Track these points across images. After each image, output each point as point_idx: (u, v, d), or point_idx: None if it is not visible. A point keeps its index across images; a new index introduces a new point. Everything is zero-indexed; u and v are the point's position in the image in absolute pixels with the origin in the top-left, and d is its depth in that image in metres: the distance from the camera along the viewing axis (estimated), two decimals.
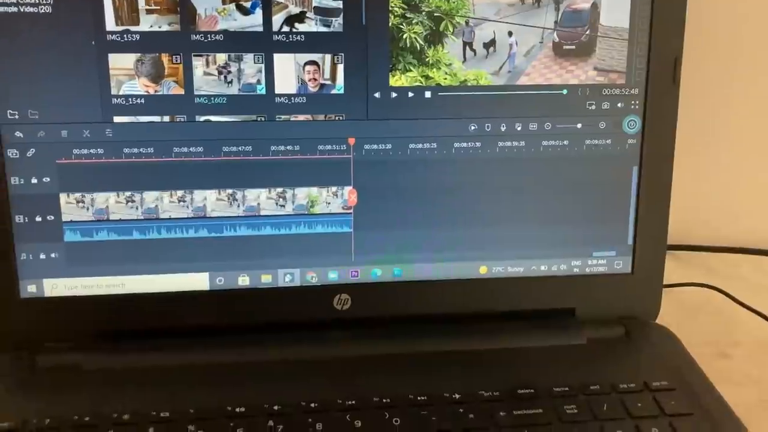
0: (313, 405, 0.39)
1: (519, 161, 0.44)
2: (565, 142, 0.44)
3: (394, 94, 0.43)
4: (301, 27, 0.41)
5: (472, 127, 0.44)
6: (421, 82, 0.43)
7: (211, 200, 0.43)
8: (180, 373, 0.41)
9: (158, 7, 0.40)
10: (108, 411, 0.38)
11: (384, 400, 0.39)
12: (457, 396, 0.40)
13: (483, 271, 0.46)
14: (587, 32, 0.44)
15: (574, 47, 0.44)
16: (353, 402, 0.39)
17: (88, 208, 0.42)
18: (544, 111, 0.44)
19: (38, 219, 0.42)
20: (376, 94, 0.43)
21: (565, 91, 0.44)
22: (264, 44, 0.41)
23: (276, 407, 0.39)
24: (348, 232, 0.44)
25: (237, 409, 0.38)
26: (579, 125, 0.44)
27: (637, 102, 0.45)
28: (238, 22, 0.41)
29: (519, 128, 0.44)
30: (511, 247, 0.45)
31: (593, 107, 0.44)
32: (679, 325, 0.47)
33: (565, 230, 0.46)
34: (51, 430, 0.37)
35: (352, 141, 0.43)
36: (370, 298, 0.45)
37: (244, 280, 0.44)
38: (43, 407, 0.38)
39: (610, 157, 0.45)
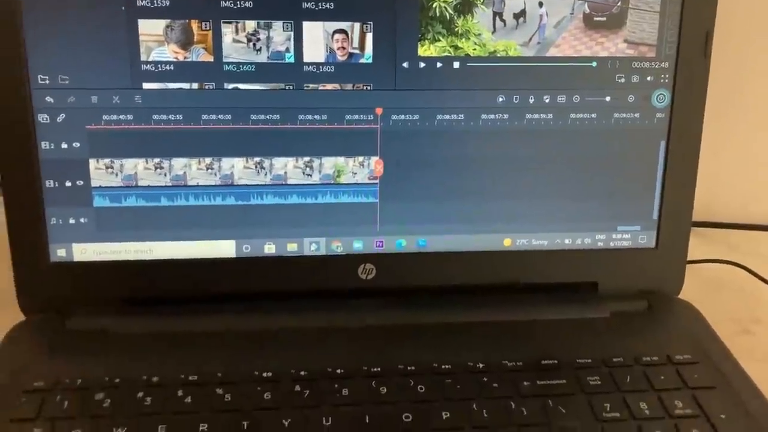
0: (338, 371, 0.39)
1: (546, 134, 0.44)
2: (593, 115, 0.44)
3: (422, 64, 0.43)
4: None
5: (500, 99, 0.43)
6: (450, 53, 0.42)
7: (239, 168, 0.43)
8: (207, 339, 0.42)
9: None
10: (137, 374, 0.39)
11: (409, 368, 0.40)
12: (481, 365, 0.40)
13: (507, 243, 0.46)
14: (618, 4, 0.43)
15: (604, 19, 0.43)
16: (378, 369, 0.40)
17: (117, 174, 0.42)
18: (573, 83, 0.44)
19: (68, 184, 0.42)
20: (405, 64, 0.42)
21: (594, 64, 0.44)
22: (293, 12, 0.41)
23: (302, 372, 0.39)
24: (374, 203, 0.44)
25: (264, 374, 0.39)
26: (608, 98, 0.44)
27: (667, 76, 0.44)
28: None
29: (547, 100, 0.44)
30: (535, 220, 0.45)
31: (622, 80, 0.44)
32: (702, 301, 0.47)
33: (590, 204, 0.46)
34: (81, 390, 0.38)
35: (379, 111, 0.43)
36: (394, 268, 0.45)
37: (270, 248, 0.44)
38: (73, 369, 0.39)
39: (637, 131, 0.45)
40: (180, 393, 0.38)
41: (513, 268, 0.46)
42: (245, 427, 0.36)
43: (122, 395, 0.37)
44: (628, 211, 0.46)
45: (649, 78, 0.44)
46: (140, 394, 0.37)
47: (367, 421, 0.37)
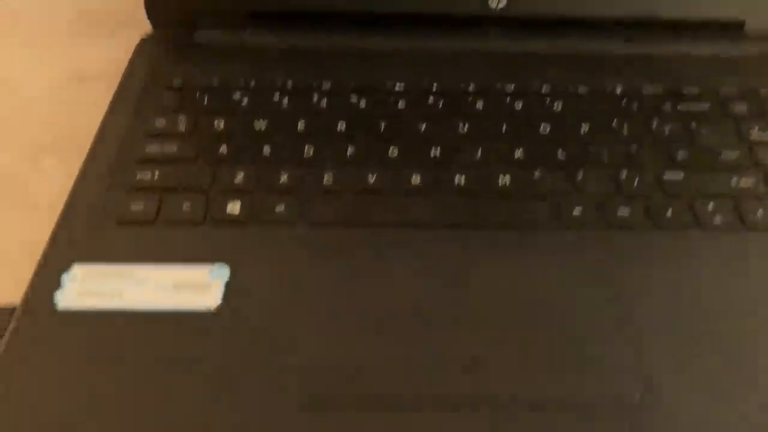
0: (471, 88, 0.39)
1: None
2: None
3: None
4: None
5: None
6: None
7: None
8: (336, 54, 0.41)
9: None
10: (270, 79, 0.38)
11: (543, 88, 0.39)
12: (619, 90, 0.39)
13: None
14: None
15: None
16: (512, 87, 0.39)
17: None
18: None
19: None
20: None
21: None
22: None
23: (435, 86, 0.39)
24: None
25: (396, 86, 0.38)
26: None
27: None
28: None
29: None
30: None
31: None
32: None
33: None
34: (219, 89, 0.38)
35: None
36: None
37: None
38: (206, 73, 0.39)
39: None
40: (315, 96, 0.38)
41: (656, 2, 0.43)
42: (382, 129, 0.36)
43: (259, 96, 0.38)
44: None
45: None
46: (276, 96, 0.38)
47: (504, 130, 0.36)
